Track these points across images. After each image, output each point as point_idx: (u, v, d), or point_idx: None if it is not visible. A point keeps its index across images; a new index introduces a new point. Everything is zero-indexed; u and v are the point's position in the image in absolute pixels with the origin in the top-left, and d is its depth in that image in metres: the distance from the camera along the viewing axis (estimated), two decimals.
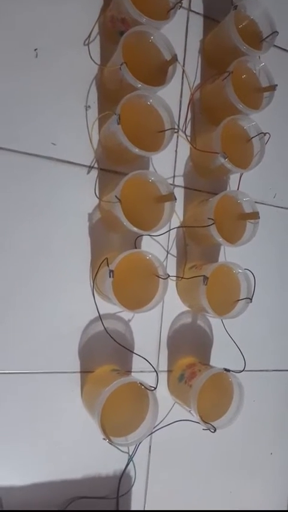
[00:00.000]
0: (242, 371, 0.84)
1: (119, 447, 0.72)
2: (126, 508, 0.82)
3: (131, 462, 0.82)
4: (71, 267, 0.79)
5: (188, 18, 0.92)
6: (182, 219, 0.89)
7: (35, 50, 0.77)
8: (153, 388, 0.72)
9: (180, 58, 0.89)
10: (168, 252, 0.88)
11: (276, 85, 0.86)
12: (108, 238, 0.82)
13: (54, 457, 0.77)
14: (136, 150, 0.71)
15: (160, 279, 0.75)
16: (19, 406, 0.74)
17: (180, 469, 0.89)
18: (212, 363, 0.92)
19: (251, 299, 0.82)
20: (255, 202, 0.85)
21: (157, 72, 0.78)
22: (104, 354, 0.81)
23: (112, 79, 0.78)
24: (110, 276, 0.68)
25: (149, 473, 0.85)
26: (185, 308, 0.89)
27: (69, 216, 0.79)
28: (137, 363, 0.83)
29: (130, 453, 0.82)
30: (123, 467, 0.82)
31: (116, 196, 0.69)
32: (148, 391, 0.72)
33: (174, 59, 0.76)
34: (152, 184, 0.77)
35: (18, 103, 0.76)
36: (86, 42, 0.81)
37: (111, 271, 0.68)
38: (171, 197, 0.75)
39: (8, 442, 0.73)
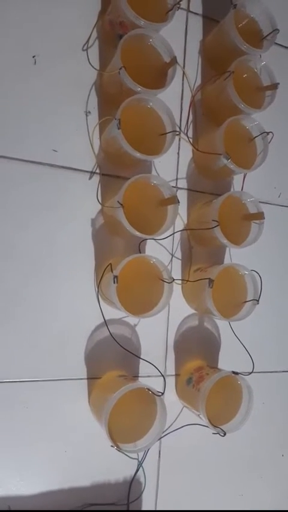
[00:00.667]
0: (250, 373, 0.83)
1: (128, 454, 0.72)
2: None
3: (141, 468, 0.82)
4: (75, 273, 0.78)
5: (187, 19, 0.92)
6: (186, 221, 0.89)
7: (34, 56, 0.77)
8: (160, 394, 0.72)
9: (180, 59, 0.88)
10: (172, 255, 0.87)
11: (278, 83, 0.85)
12: (112, 243, 0.82)
13: (63, 465, 0.76)
14: (137, 155, 0.70)
15: (165, 282, 0.74)
16: (26, 414, 0.74)
17: (191, 473, 0.88)
18: (220, 365, 0.91)
19: (257, 300, 0.81)
20: (260, 202, 0.84)
21: (157, 74, 0.78)
22: (111, 359, 0.80)
23: (112, 83, 0.78)
24: (114, 282, 0.68)
25: (159, 479, 0.84)
26: (191, 311, 0.88)
27: (72, 222, 0.79)
28: (144, 368, 0.83)
29: (139, 459, 0.81)
30: (133, 473, 0.81)
31: (118, 201, 0.69)
32: (156, 396, 0.72)
33: (174, 61, 0.76)
34: (155, 187, 0.77)
35: (17, 111, 0.76)
36: (85, 47, 0.81)
37: (115, 277, 0.68)
38: (174, 200, 0.74)
39: (16, 451, 0.73)
